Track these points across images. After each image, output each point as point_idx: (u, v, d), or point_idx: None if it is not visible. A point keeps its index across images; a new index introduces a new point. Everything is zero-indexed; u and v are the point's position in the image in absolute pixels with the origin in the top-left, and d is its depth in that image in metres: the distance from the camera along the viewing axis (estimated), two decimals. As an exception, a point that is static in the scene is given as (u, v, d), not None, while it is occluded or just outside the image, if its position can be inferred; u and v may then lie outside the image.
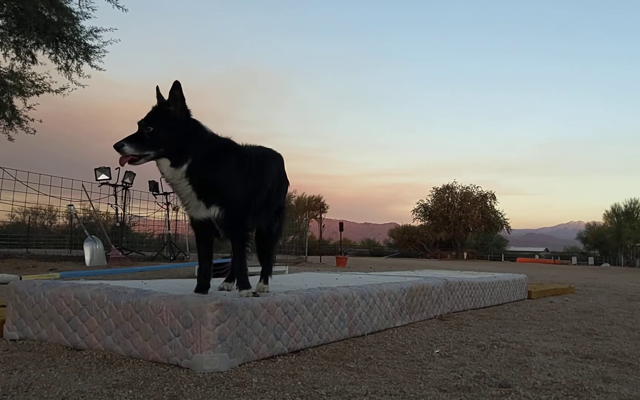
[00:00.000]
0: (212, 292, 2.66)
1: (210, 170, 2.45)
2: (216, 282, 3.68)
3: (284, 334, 2.63)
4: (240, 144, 2.73)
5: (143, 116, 2.41)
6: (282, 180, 3.04)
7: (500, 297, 5.46)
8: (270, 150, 3.01)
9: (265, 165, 2.80)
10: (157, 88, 2.44)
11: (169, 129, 2.37)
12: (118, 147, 2.27)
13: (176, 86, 2.39)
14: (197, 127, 2.48)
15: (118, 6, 11.85)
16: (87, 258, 10.99)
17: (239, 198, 2.55)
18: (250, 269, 2.73)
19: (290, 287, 3.18)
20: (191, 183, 2.43)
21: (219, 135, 2.59)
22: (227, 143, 2.62)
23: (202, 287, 2.63)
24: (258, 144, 2.90)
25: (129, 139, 2.30)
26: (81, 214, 15.29)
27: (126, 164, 2.33)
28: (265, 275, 3.05)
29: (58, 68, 12.69)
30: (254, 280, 3.10)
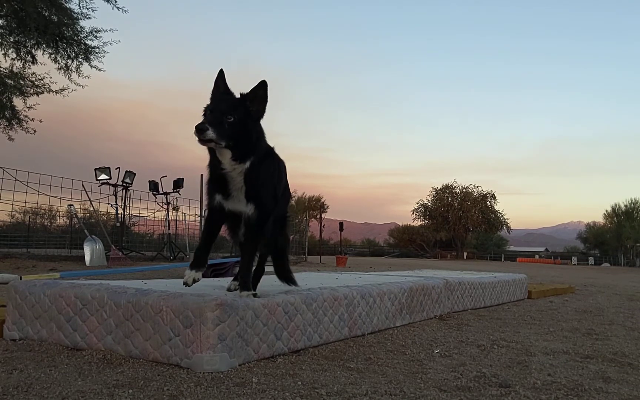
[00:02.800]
0: (212, 292, 2.65)
1: (260, 172, 2.49)
2: (215, 282, 3.68)
3: (284, 334, 2.63)
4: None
5: (215, 99, 2.39)
6: (286, 187, 3.05)
7: (500, 297, 5.46)
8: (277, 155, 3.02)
9: (280, 171, 2.83)
10: (222, 71, 2.44)
11: (246, 124, 2.38)
12: (202, 129, 2.22)
13: (262, 86, 2.42)
14: (262, 132, 2.53)
15: (117, 8, 11.87)
16: (87, 258, 11.00)
17: (270, 204, 2.62)
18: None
19: (290, 287, 3.18)
20: (245, 179, 2.46)
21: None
22: (272, 151, 2.68)
23: (198, 261, 2.53)
24: None
25: (212, 123, 2.25)
26: (81, 214, 15.30)
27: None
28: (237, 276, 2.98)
29: (58, 68, 12.71)
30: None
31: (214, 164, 2.47)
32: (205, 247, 2.61)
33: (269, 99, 2.44)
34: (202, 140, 2.25)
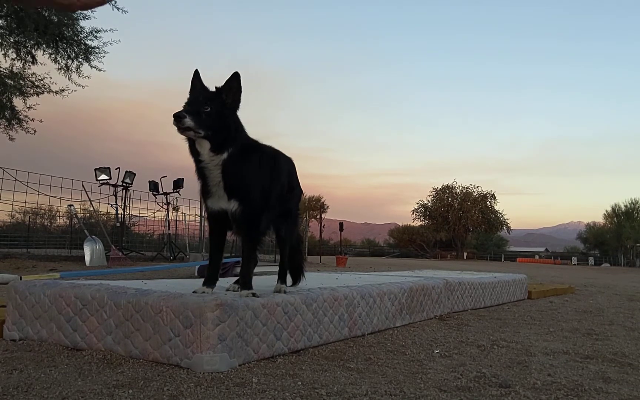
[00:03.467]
0: (212, 292, 2.65)
1: (241, 165, 2.50)
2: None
3: (284, 334, 2.63)
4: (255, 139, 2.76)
5: (192, 94, 2.45)
6: (294, 185, 3.06)
7: (500, 297, 5.46)
8: (281, 152, 3.02)
9: (276, 166, 2.82)
10: (197, 71, 2.48)
11: (222, 115, 2.43)
12: (180, 116, 2.28)
13: (235, 77, 2.47)
14: (239, 123, 2.55)
15: (117, 8, 11.87)
16: (87, 258, 10.99)
17: (257, 199, 2.61)
18: (262, 269, 2.75)
19: (290, 287, 3.18)
20: (223, 172, 2.48)
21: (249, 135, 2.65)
22: (257, 144, 2.68)
23: (210, 280, 2.65)
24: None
25: (189, 112, 2.32)
26: (81, 214, 15.29)
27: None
28: (280, 276, 3.12)
29: (58, 68, 12.71)
30: (261, 280, 3.12)
31: (194, 157, 2.49)
32: (214, 264, 2.69)
33: (243, 90, 2.49)
34: (181, 128, 2.31)
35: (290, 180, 3.01)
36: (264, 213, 2.67)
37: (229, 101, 2.47)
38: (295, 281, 3.27)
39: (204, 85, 2.49)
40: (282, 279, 3.10)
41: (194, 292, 2.54)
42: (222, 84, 2.48)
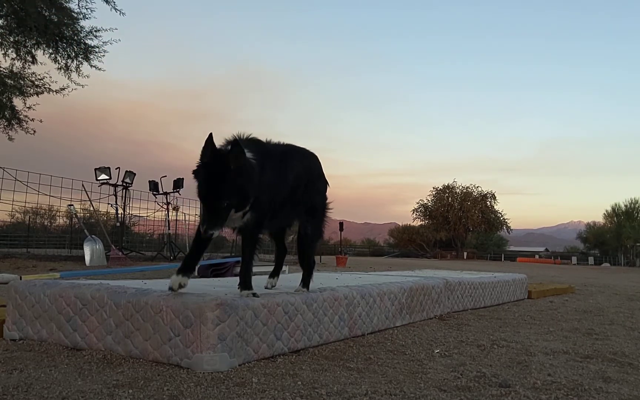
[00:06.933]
0: (212, 292, 2.65)
1: (239, 175, 2.40)
2: (215, 281, 3.68)
3: (284, 333, 2.63)
4: (266, 140, 2.73)
5: (206, 179, 2.35)
6: (314, 180, 3.03)
7: (500, 297, 5.46)
8: (297, 147, 2.99)
9: (287, 163, 2.78)
10: (211, 136, 2.35)
11: (237, 191, 2.37)
12: (210, 234, 2.39)
13: (235, 145, 2.35)
14: (251, 170, 2.44)
15: (116, 9, 11.87)
16: (87, 258, 10.99)
17: (263, 203, 2.59)
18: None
19: (291, 287, 3.18)
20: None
21: (242, 136, 2.57)
22: (258, 155, 2.54)
23: (186, 268, 2.56)
24: None
25: (213, 224, 2.35)
26: (81, 214, 15.29)
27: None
28: (304, 279, 3.13)
29: (58, 68, 12.71)
30: (261, 280, 3.12)
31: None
32: (193, 253, 2.63)
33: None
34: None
35: (310, 175, 2.98)
36: (266, 215, 2.67)
37: (236, 167, 2.35)
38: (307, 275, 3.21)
39: (216, 151, 2.35)
40: (303, 281, 3.12)
41: (170, 288, 2.51)
42: (227, 153, 2.35)
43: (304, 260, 3.14)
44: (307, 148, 3.10)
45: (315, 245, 3.20)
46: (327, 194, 3.19)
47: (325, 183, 3.17)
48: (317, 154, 3.13)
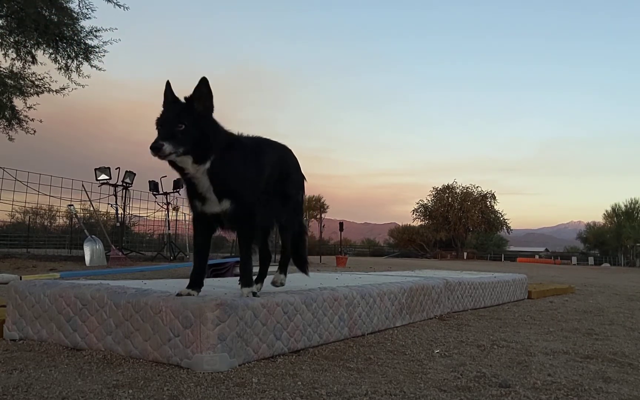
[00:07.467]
0: (212, 292, 2.65)
1: (227, 166, 2.46)
2: (215, 282, 3.68)
3: (284, 334, 2.63)
4: (237, 133, 2.70)
5: (164, 111, 2.38)
6: (290, 171, 2.99)
7: (500, 297, 5.46)
8: (270, 141, 2.96)
9: (262, 155, 2.75)
10: (168, 83, 2.43)
11: (198, 126, 2.36)
12: (157, 147, 2.22)
13: (204, 83, 2.39)
14: (217, 127, 2.49)
15: (118, 5, 11.86)
16: (87, 258, 11.00)
17: (248, 194, 2.57)
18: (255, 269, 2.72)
19: (290, 287, 3.18)
20: (210, 178, 2.44)
21: (227, 129, 2.59)
22: (238, 139, 2.62)
23: (195, 283, 2.57)
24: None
25: (165, 137, 2.25)
26: (81, 214, 15.30)
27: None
28: (280, 266, 3.09)
29: (58, 68, 12.71)
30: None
31: (179, 172, 2.44)
32: (199, 267, 2.61)
33: (214, 94, 2.41)
34: (161, 158, 2.25)
35: (284, 166, 2.94)
36: (255, 207, 2.62)
37: (201, 108, 2.39)
38: (303, 270, 3.20)
39: (175, 97, 2.42)
40: (282, 269, 3.08)
41: (178, 294, 2.48)
42: (192, 92, 2.40)
43: (283, 250, 3.11)
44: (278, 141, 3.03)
45: (288, 235, 3.11)
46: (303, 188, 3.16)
47: (301, 177, 3.12)
48: (287, 146, 3.06)
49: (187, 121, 2.33)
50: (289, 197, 2.98)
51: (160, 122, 2.34)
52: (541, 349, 3.02)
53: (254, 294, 2.59)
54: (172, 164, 2.41)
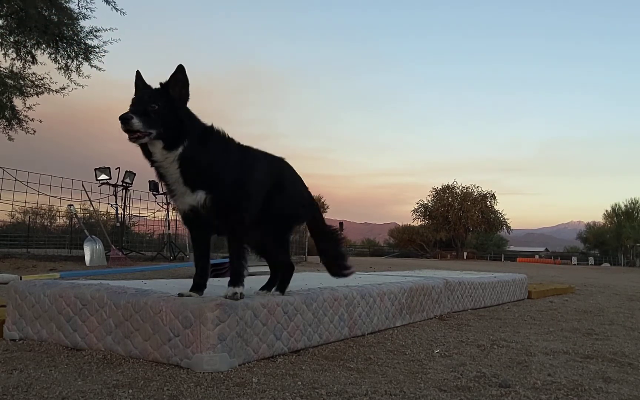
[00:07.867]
0: (212, 292, 2.65)
1: (199, 153, 2.37)
2: (215, 282, 3.68)
3: (284, 333, 2.63)
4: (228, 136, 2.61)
5: (137, 93, 2.33)
6: (285, 184, 2.78)
7: (500, 297, 5.46)
8: (262, 152, 2.79)
9: (247, 157, 2.64)
10: (138, 72, 2.37)
11: (171, 110, 2.30)
12: (126, 118, 2.14)
13: (180, 70, 2.35)
14: (192, 115, 2.44)
15: (116, 9, 11.87)
16: (87, 258, 10.99)
17: (226, 182, 2.43)
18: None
19: (291, 287, 3.18)
20: (180, 167, 2.34)
21: (205, 122, 2.51)
22: (216, 131, 2.53)
23: (197, 287, 2.53)
24: (260, 144, 2.81)
25: (136, 112, 2.18)
26: (81, 214, 15.29)
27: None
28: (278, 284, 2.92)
29: (58, 68, 12.70)
30: (261, 281, 3.10)
31: (148, 158, 2.36)
32: (200, 270, 2.56)
33: (190, 82, 2.37)
34: (129, 131, 2.17)
35: (280, 179, 2.76)
36: (239, 197, 2.45)
37: (177, 95, 2.34)
38: (337, 274, 3.03)
39: (147, 84, 2.37)
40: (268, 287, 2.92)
41: (179, 294, 2.46)
42: (168, 78, 2.35)
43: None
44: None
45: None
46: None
47: (299, 190, 2.90)
48: (284, 159, 2.88)
49: (161, 103, 2.27)
50: (282, 211, 2.76)
51: (133, 103, 2.29)
52: (541, 349, 3.02)
53: (235, 296, 2.42)
54: (143, 148, 2.33)
